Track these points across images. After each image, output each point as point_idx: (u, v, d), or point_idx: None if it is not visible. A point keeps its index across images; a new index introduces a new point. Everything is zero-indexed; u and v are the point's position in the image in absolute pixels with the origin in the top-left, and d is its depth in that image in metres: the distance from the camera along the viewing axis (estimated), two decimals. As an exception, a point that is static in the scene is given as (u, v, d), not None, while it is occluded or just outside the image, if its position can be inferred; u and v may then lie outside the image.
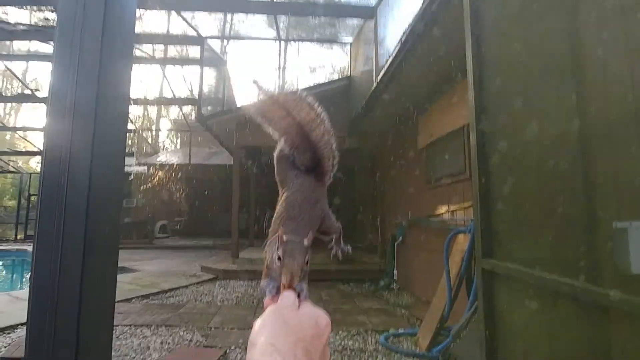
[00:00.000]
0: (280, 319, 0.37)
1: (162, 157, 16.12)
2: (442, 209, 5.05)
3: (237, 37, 9.26)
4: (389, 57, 4.98)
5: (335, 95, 8.07)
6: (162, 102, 17.35)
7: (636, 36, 1.15)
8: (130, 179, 13.70)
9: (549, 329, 1.56)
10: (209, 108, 8.73)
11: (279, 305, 0.40)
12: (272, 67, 14.24)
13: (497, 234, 1.96)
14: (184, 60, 11.76)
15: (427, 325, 3.71)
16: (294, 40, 9.46)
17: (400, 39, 4.47)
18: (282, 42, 9.33)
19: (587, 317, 1.35)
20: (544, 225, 1.60)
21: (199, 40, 8.24)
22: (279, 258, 0.44)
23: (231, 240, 8.17)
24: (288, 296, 0.40)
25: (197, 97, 8.75)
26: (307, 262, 0.44)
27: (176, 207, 15.57)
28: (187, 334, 3.94)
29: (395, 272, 6.48)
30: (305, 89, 8.22)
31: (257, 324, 0.38)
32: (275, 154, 0.65)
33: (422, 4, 3.69)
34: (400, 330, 4.06)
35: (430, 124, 5.45)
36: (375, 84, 5.72)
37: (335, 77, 9.00)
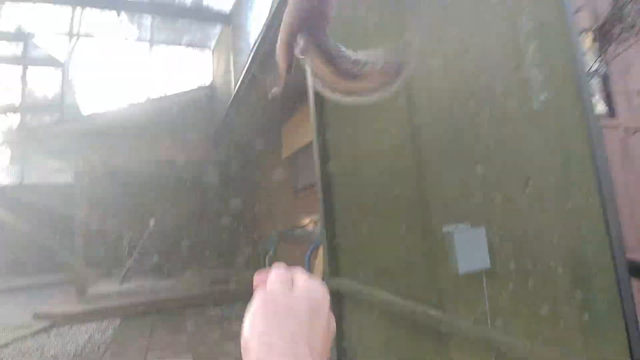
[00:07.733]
0: (271, 309, 0.32)
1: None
2: (307, 219, 5.03)
3: (85, 35, 7.88)
4: (244, 66, 4.66)
5: (197, 103, 7.48)
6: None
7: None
8: None
9: (396, 350, 1.55)
10: (46, 117, 7.11)
11: (268, 291, 0.34)
12: (129, 69, 12.59)
13: (343, 252, 1.89)
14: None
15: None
16: (152, 43, 8.59)
17: (253, 48, 4.26)
18: (145, 44, 8.35)
19: (426, 337, 1.36)
20: (386, 240, 1.63)
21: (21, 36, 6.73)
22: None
23: (74, 273, 6.61)
24: (276, 276, 0.35)
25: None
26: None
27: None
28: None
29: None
30: (161, 98, 7.40)
31: (247, 322, 0.32)
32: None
33: (271, 10, 3.63)
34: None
35: (292, 134, 5.48)
36: (233, 95, 5.43)
37: (202, 84, 8.16)
